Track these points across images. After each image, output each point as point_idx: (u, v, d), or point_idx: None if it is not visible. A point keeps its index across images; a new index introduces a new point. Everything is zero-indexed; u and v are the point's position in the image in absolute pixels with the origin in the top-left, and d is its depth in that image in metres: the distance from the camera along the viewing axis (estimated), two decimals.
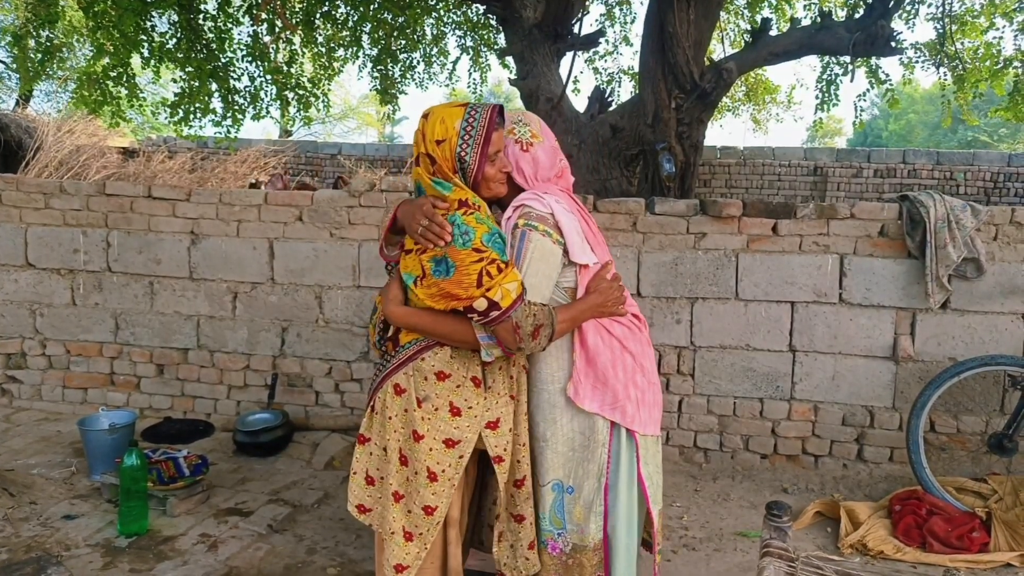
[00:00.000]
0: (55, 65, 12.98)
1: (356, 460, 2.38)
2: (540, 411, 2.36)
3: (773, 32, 6.81)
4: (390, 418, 2.26)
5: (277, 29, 9.03)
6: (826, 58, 9.02)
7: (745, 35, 9.01)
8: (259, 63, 9.06)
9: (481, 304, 2.06)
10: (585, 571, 2.35)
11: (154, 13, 8.04)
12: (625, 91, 11.27)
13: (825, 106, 9.18)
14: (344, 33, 9.72)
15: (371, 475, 2.35)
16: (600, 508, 2.32)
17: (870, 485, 4.36)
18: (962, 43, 9.47)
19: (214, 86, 8.58)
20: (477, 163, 2.15)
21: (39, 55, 9.09)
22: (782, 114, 14.57)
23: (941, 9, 8.90)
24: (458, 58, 10.83)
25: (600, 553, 2.33)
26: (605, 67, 11.25)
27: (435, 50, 10.45)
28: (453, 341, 2.21)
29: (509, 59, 8.42)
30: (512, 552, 2.39)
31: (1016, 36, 9.21)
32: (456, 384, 2.23)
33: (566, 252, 2.24)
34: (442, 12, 9.79)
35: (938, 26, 9.04)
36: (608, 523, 2.32)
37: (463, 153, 2.14)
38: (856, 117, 9.55)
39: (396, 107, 10.49)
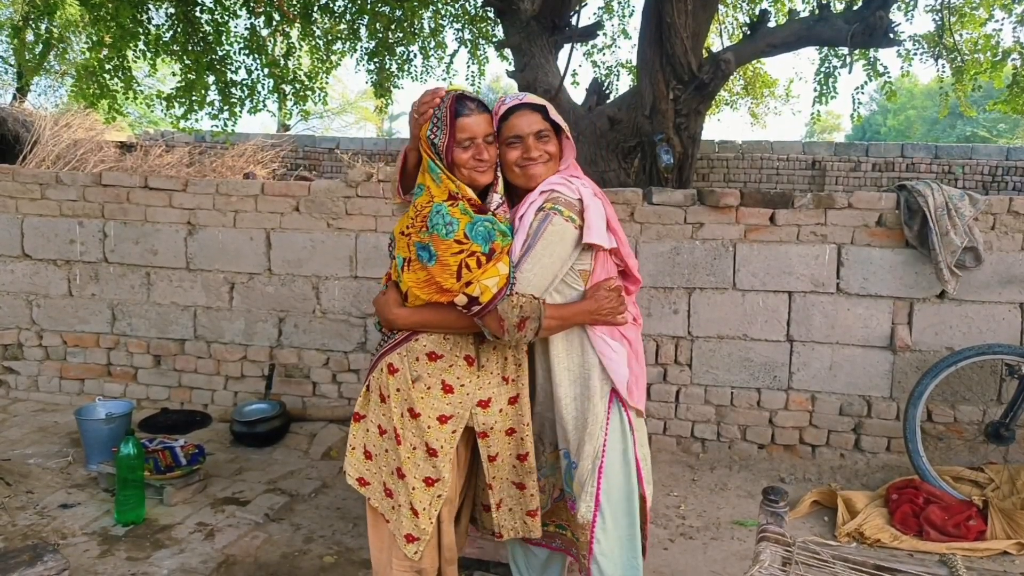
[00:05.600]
0: (53, 58, 12.96)
1: (353, 436, 2.44)
2: (558, 400, 2.38)
3: (771, 24, 6.79)
4: (383, 397, 2.33)
5: (275, 22, 9.00)
6: (824, 50, 9.00)
7: (743, 27, 8.99)
8: (256, 56, 9.04)
9: (461, 300, 2.13)
10: (579, 546, 2.37)
11: (151, 5, 8.02)
12: (623, 84, 11.29)
13: (823, 99, 9.17)
14: (342, 26, 9.70)
15: (368, 450, 2.42)
16: (592, 489, 2.34)
17: (867, 474, 4.37)
18: (961, 35, 9.46)
19: (211, 79, 8.57)
20: (445, 147, 2.21)
21: (38, 47, 9.07)
22: (780, 108, 14.56)
23: (940, 0, 8.89)
24: (456, 51, 10.82)
25: (587, 533, 2.34)
26: (603, 60, 11.25)
27: (433, 43, 10.43)
28: (456, 329, 2.28)
29: (507, 51, 8.41)
30: (511, 515, 2.47)
31: (1015, 28, 9.20)
32: (448, 364, 2.29)
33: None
34: (440, 5, 9.77)
35: (937, 18, 9.03)
36: (599, 505, 2.33)
37: (432, 137, 2.21)
38: (854, 110, 9.54)
39: (391, 100, 10.47)
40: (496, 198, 2.30)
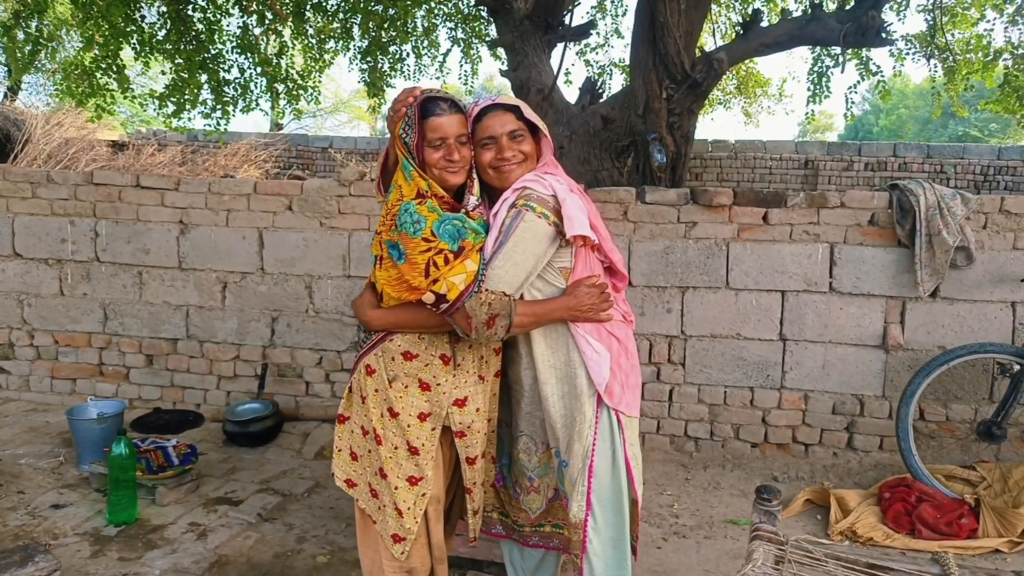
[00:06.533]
0: (44, 57, 12.88)
1: (339, 438, 2.45)
2: (545, 399, 2.36)
3: (764, 23, 6.80)
4: (363, 398, 2.33)
5: (267, 20, 8.98)
6: (817, 50, 9.02)
7: (736, 27, 9.00)
8: (249, 55, 9.01)
9: (429, 298, 2.14)
10: (572, 544, 2.36)
11: (143, 4, 7.98)
12: (616, 83, 11.26)
13: (816, 98, 9.19)
14: (335, 25, 9.67)
15: (354, 451, 2.42)
16: (583, 488, 2.33)
17: (860, 473, 4.38)
18: (953, 35, 9.49)
19: (204, 78, 8.53)
20: (415, 145, 2.21)
21: (28, 46, 9.00)
22: (773, 107, 14.58)
23: (932, 0, 8.92)
24: (448, 50, 10.79)
25: (580, 533, 2.33)
26: (596, 59, 11.25)
27: (426, 42, 10.41)
28: (430, 328, 2.28)
29: (500, 50, 8.40)
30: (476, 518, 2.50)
31: (1007, 28, 9.25)
32: (424, 363, 2.30)
33: (560, 233, 2.23)
34: (433, 4, 9.75)
35: (929, 17, 9.05)
36: (591, 505, 2.33)
37: (404, 135, 2.22)
38: (847, 109, 9.56)
39: (384, 100, 10.45)
40: (473, 200, 2.29)
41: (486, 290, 2.14)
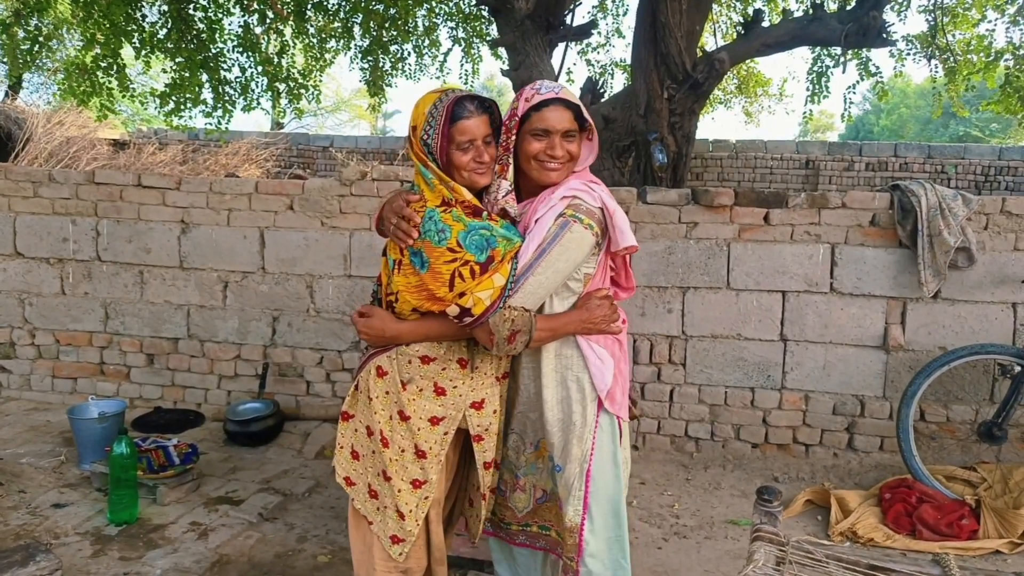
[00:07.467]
0: (45, 55, 12.87)
1: (341, 435, 2.41)
2: (544, 402, 2.35)
3: (765, 23, 6.80)
4: (371, 399, 2.29)
5: (268, 19, 8.98)
6: (817, 50, 9.02)
7: (737, 27, 9.01)
8: (250, 54, 9.02)
9: (453, 310, 2.10)
10: (567, 549, 2.35)
11: (144, 2, 7.99)
12: (618, 83, 11.26)
13: (815, 98, 9.19)
14: (335, 24, 9.68)
15: (356, 450, 2.39)
16: (580, 493, 2.32)
17: (860, 474, 4.38)
18: (953, 35, 9.50)
19: (204, 77, 8.54)
20: (439, 147, 2.16)
21: (28, 44, 9.00)
22: (774, 107, 14.58)
23: (933, 1, 8.92)
24: (449, 49, 10.79)
25: (575, 536, 2.32)
26: (597, 59, 11.25)
27: (427, 42, 10.42)
28: (456, 338, 2.25)
29: (501, 50, 8.41)
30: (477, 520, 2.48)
31: (1008, 28, 9.25)
32: (441, 367, 2.26)
33: (599, 244, 2.25)
34: (434, 3, 9.76)
35: (930, 18, 9.06)
36: (587, 508, 2.33)
37: (426, 137, 2.17)
38: (845, 109, 9.56)
39: (384, 99, 10.46)
40: (505, 185, 2.25)
41: (509, 307, 2.12)
